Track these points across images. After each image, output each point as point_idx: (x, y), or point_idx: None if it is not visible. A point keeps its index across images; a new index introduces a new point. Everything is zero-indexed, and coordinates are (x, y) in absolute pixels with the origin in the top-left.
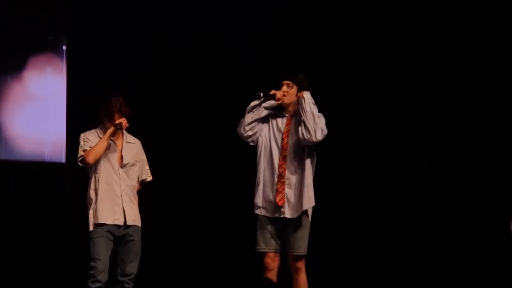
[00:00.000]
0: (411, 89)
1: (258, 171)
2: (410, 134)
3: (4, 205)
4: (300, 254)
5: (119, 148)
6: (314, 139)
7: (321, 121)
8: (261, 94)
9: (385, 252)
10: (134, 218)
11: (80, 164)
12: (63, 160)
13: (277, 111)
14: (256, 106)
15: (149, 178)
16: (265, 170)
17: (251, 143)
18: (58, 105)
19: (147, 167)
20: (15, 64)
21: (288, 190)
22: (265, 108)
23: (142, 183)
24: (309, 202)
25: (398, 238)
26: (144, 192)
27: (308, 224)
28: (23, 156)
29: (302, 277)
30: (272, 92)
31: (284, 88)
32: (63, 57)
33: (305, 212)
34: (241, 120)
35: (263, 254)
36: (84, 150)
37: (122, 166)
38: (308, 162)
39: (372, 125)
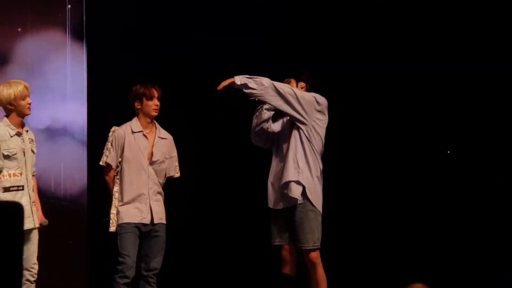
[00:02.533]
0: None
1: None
2: (430, 120)
3: None
4: (309, 248)
5: (150, 143)
6: (293, 110)
7: (272, 87)
8: (257, 98)
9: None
10: (161, 216)
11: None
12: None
13: None
14: (258, 110)
15: (177, 175)
16: (277, 164)
17: (265, 147)
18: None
19: (176, 164)
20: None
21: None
22: (267, 110)
23: (169, 179)
24: (292, 175)
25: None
26: (172, 188)
27: (317, 217)
28: None
29: (318, 272)
30: None
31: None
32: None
33: (310, 204)
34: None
35: (280, 247)
36: (106, 163)
37: (151, 163)
38: (299, 144)
39: (389, 114)
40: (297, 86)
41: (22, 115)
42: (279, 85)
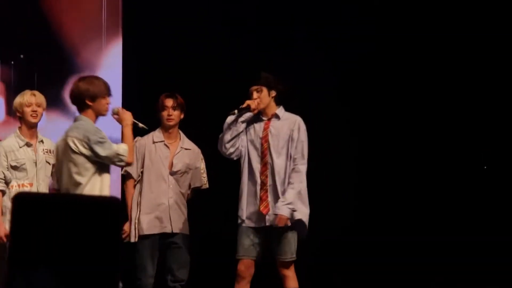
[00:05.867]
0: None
1: (241, 182)
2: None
3: None
4: (287, 260)
5: (172, 154)
6: None
7: (298, 186)
8: (236, 111)
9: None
10: (180, 226)
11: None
12: None
13: (254, 117)
14: (233, 122)
15: (205, 186)
16: (248, 179)
17: (235, 158)
18: None
19: (204, 175)
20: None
21: (271, 198)
22: (243, 122)
23: (194, 190)
24: (286, 212)
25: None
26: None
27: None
28: None
29: (291, 285)
30: (246, 104)
31: (255, 95)
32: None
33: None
34: (220, 137)
35: (238, 261)
36: (126, 171)
37: (172, 173)
38: (282, 170)
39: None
40: (268, 94)
41: (28, 123)
42: (297, 177)
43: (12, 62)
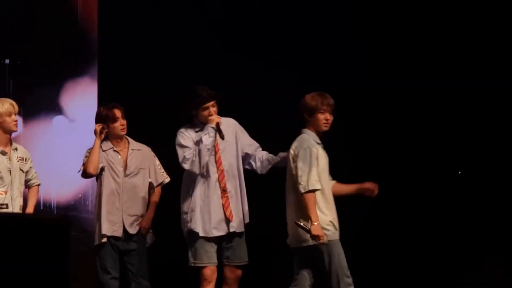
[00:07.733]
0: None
1: (192, 195)
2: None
3: None
4: (243, 264)
5: (123, 157)
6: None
7: None
8: (216, 133)
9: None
10: (135, 229)
11: (84, 178)
12: None
13: (198, 130)
14: (211, 143)
15: (167, 180)
16: (204, 190)
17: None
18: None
19: (162, 170)
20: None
21: (233, 204)
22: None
23: (161, 186)
24: (247, 213)
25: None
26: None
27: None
28: None
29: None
30: (215, 123)
31: (214, 110)
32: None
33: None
34: (193, 160)
35: (203, 268)
36: (83, 164)
37: (126, 175)
38: (242, 171)
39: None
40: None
41: (8, 132)
42: None
43: None
